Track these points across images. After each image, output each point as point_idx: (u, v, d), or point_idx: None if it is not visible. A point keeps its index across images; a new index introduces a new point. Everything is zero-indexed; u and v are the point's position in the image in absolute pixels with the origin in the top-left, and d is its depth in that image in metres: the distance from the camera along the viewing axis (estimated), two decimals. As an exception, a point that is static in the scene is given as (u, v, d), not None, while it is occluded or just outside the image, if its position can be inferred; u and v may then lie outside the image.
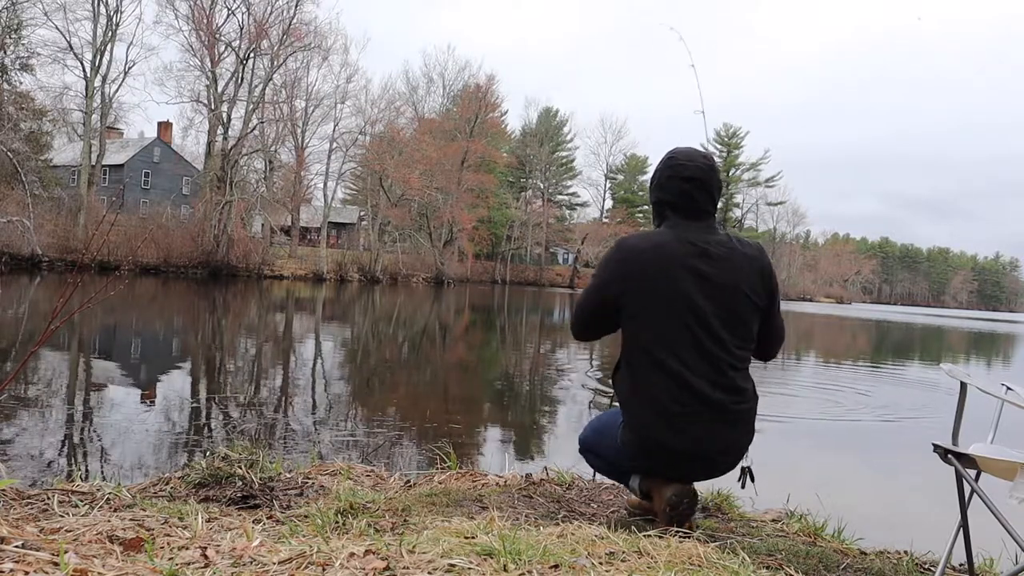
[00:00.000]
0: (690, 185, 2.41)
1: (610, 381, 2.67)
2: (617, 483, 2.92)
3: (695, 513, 2.49)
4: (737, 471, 2.52)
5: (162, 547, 1.84)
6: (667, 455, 2.41)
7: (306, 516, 2.49)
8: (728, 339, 2.33)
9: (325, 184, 48.34)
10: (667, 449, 2.40)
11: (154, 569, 1.61)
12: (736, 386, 2.35)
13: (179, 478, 3.03)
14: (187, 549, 1.82)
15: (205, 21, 38.10)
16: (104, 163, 40.23)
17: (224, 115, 39.27)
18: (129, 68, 37.43)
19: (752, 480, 2.54)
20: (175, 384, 8.23)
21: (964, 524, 2.11)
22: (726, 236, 2.43)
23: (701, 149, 2.58)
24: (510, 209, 67.33)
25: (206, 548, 1.80)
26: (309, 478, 3.25)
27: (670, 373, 2.33)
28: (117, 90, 38.86)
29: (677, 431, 2.35)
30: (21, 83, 35.10)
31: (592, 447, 2.66)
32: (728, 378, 2.33)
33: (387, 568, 1.64)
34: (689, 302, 2.32)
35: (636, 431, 2.47)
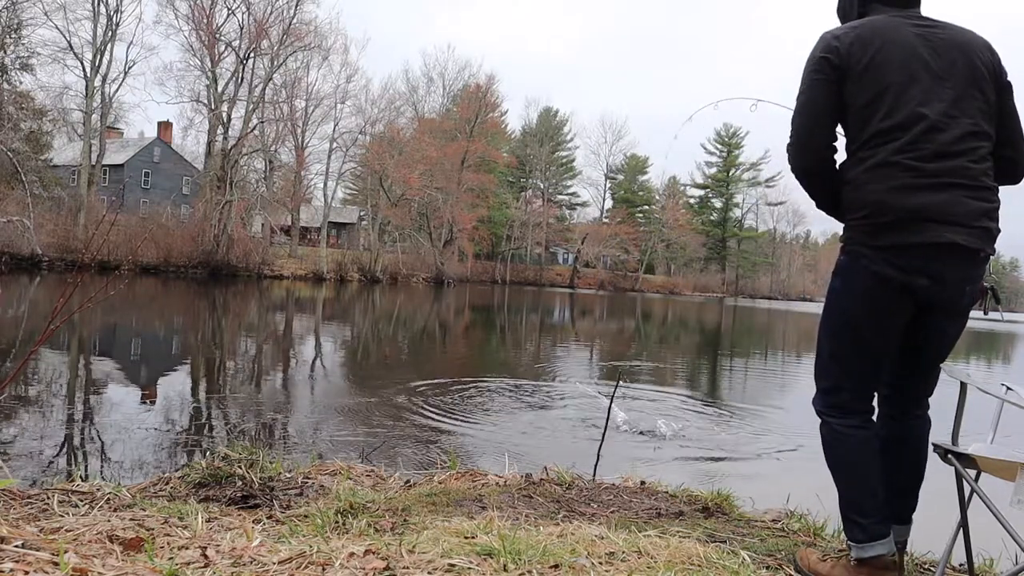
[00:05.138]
0: None
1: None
2: None
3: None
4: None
5: (162, 547, 1.84)
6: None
7: (306, 516, 2.49)
8: (955, 106, 2.08)
9: (325, 184, 48.43)
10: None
11: (154, 569, 1.61)
12: (971, 152, 2.08)
13: (179, 478, 3.03)
14: (187, 549, 1.82)
15: (205, 21, 38.14)
16: (104, 163, 40.24)
17: (224, 115, 39.29)
18: (129, 68, 37.58)
19: (998, 302, 2.35)
20: (175, 384, 8.23)
21: (964, 524, 2.11)
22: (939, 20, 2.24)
23: None
24: (510, 209, 67.28)
25: (206, 548, 1.80)
26: (309, 478, 3.25)
27: (902, 141, 2.06)
28: (117, 90, 39.04)
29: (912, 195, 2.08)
30: (21, 83, 35.17)
31: None
32: (963, 142, 2.07)
33: (387, 568, 1.65)
34: (916, 67, 2.10)
35: None
